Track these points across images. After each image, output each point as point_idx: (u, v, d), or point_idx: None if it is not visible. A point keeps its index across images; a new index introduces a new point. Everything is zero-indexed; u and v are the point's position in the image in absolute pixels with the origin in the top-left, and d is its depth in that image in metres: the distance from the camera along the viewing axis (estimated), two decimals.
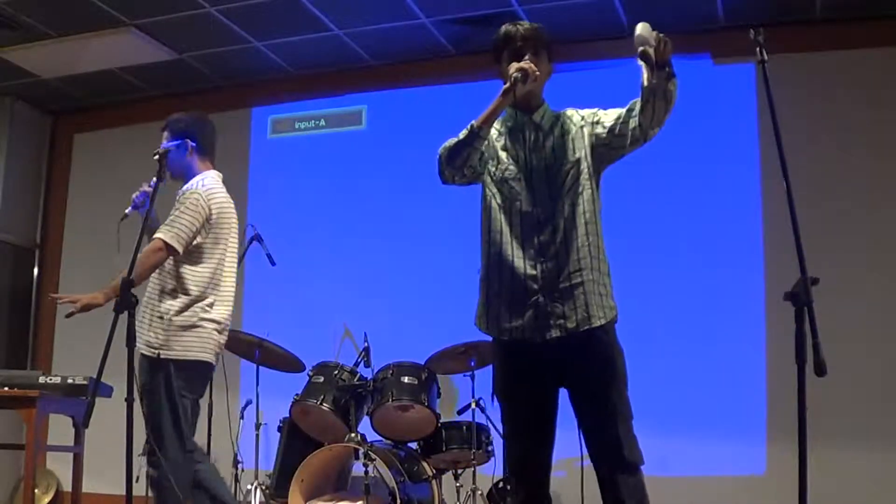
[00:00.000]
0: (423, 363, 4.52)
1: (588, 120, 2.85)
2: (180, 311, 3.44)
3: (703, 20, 5.27)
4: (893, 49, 5.02)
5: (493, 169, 2.83)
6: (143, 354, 3.44)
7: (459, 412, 4.58)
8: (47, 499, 6.15)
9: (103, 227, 6.49)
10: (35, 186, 6.86)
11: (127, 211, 3.60)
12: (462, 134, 2.73)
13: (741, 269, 5.09)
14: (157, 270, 3.49)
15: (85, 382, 4.16)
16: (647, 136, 2.72)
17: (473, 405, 4.39)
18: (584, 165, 2.76)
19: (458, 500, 4.59)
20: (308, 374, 4.54)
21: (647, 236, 5.29)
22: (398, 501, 3.99)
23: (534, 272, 2.67)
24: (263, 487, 4.61)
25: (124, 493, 3.00)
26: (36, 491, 5.81)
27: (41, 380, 4.21)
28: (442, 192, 5.75)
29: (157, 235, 3.43)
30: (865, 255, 4.92)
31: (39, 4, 5.22)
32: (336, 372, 4.44)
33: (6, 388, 4.12)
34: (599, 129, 2.80)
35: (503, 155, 2.82)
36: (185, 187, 3.56)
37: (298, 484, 4.16)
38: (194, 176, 3.59)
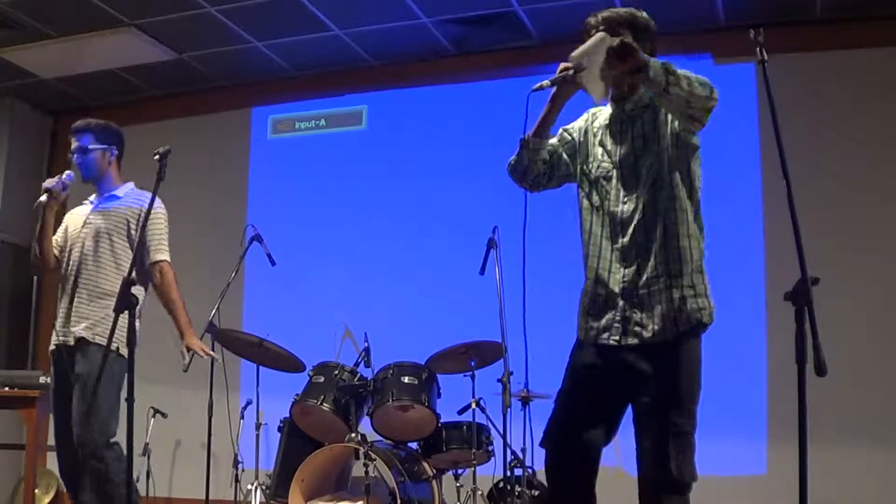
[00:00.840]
0: (423, 363, 4.52)
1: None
2: None
3: (704, 20, 5.27)
4: (893, 49, 5.02)
5: (587, 168, 2.70)
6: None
7: (460, 412, 4.58)
8: (47, 499, 6.14)
9: None
10: (35, 186, 6.79)
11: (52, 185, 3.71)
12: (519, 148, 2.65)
13: (741, 269, 5.09)
14: (115, 264, 3.68)
15: None
16: (687, 127, 2.58)
17: (473, 405, 4.38)
18: (666, 156, 2.59)
19: (459, 500, 4.59)
20: (308, 374, 4.54)
21: None
22: (398, 501, 3.99)
23: (617, 276, 2.59)
24: (264, 487, 4.61)
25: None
26: (36, 491, 5.81)
27: (41, 380, 4.21)
28: (442, 193, 5.79)
29: (160, 259, 3.71)
30: (865, 255, 4.92)
31: (39, 4, 5.22)
32: (336, 372, 4.44)
33: (6, 388, 4.13)
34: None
35: (598, 152, 2.68)
36: (127, 200, 3.79)
37: (299, 484, 4.16)
38: (112, 182, 3.84)
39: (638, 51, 2.35)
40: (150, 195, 3.55)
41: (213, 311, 4.62)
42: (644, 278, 2.54)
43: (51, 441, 5.82)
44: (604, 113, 2.73)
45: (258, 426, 4.75)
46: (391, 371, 4.41)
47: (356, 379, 4.45)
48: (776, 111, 2.37)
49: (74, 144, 3.84)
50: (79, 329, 3.52)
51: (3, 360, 6.44)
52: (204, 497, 4.71)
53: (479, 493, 4.41)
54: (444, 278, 5.54)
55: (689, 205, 2.65)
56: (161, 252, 3.70)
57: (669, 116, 2.58)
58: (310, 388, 4.43)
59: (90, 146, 3.81)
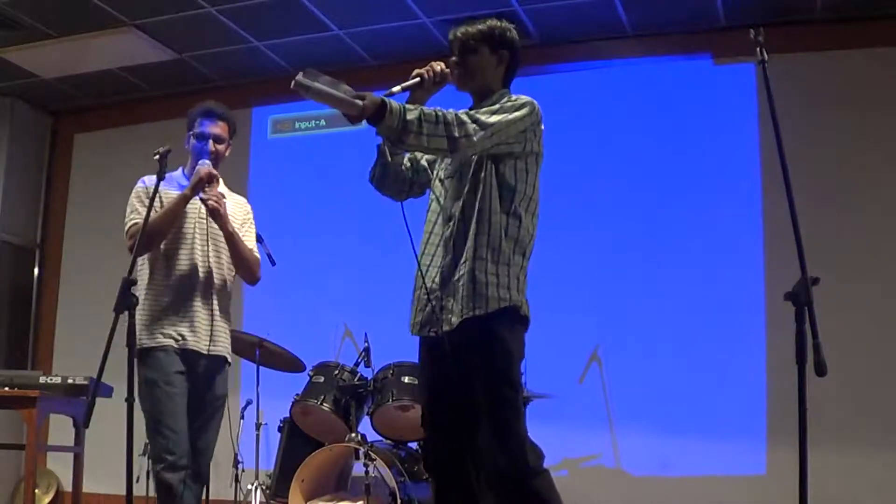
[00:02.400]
0: None
1: None
2: None
3: (704, 20, 5.27)
4: (893, 49, 5.02)
5: (439, 171, 2.83)
6: (225, 359, 3.45)
7: None
8: (48, 499, 6.15)
9: (104, 226, 6.54)
10: (35, 186, 6.86)
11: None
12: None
13: (741, 269, 5.09)
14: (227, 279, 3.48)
15: (85, 382, 4.16)
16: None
17: None
18: (477, 161, 2.66)
19: None
20: (308, 374, 4.54)
21: (648, 236, 5.30)
22: (399, 501, 3.99)
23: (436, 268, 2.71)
24: (264, 487, 4.61)
25: (124, 493, 2.99)
26: (36, 491, 5.81)
27: (41, 380, 4.21)
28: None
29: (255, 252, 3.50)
30: (866, 256, 4.92)
31: (40, 4, 5.22)
32: (336, 372, 4.44)
33: (6, 388, 4.12)
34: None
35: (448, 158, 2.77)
36: (232, 197, 3.57)
37: (299, 484, 4.16)
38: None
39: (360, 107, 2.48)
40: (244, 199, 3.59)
41: None
42: (457, 268, 2.62)
43: (51, 441, 5.86)
44: None
45: (258, 426, 4.75)
46: (391, 371, 4.41)
47: (356, 379, 4.45)
48: (776, 111, 2.37)
49: (214, 129, 3.49)
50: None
51: (2, 360, 6.44)
52: (204, 497, 4.71)
53: None
54: None
55: (499, 203, 2.61)
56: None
57: None
58: (310, 388, 4.43)
59: (224, 138, 3.51)
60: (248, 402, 4.94)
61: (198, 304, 3.31)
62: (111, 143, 6.71)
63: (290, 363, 4.76)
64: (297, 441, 4.54)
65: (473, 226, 2.60)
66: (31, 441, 4.12)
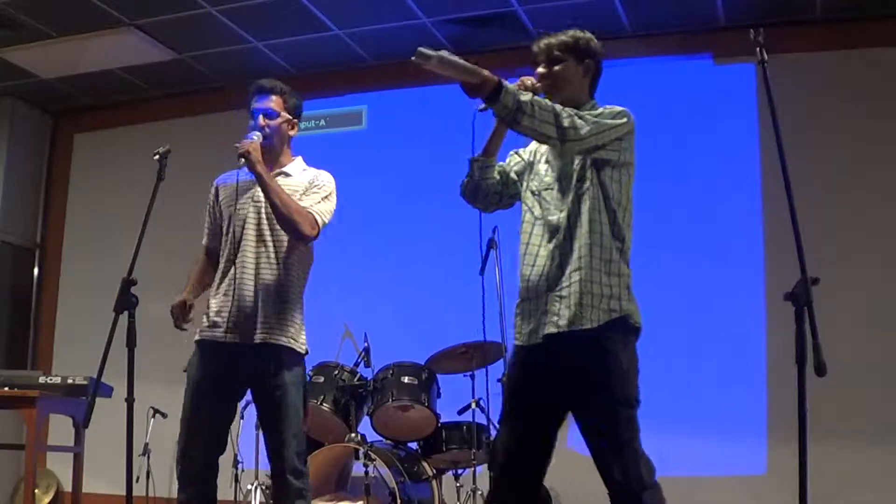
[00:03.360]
0: (423, 363, 4.52)
1: None
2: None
3: (704, 20, 5.27)
4: (893, 49, 5.02)
5: (532, 183, 2.80)
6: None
7: (460, 412, 4.58)
8: (47, 499, 6.15)
9: (104, 226, 6.54)
10: (35, 186, 6.86)
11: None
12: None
13: (741, 269, 5.09)
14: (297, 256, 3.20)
15: (85, 382, 4.17)
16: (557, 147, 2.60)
17: (473, 405, 4.39)
18: (582, 172, 2.67)
19: (459, 500, 4.59)
20: (308, 374, 4.53)
21: (647, 236, 5.27)
22: (398, 501, 3.99)
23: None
24: (263, 487, 4.61)
25: (124, 493, 2.99)
26: (36, 491, 5.81)
27: (41, 380, 4.21)
28: (442, 193, 5.77)
29: (310, 209, 3.15)
30: (865, 255, 4.92)
31: (39, 4, 5.22)
32: (336, 372, 4.44)
33: (6, 388, 4.13)
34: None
35: (542, 168, 2.79)
36: (308, 172, 3.32)
37: None
38: (286, 157, 3.35)
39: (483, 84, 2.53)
40: (327, 173, 3.30)
41: None
42: (565, 275, 2.59)
43: (51, 441, 5.86)
44: None
45: (258, 426, 4.74)
46: (391, 371, 4.41)
47: (356, 379, 4.45)
48: (776, 111, 2.38)
49: (262, 104, 3.30)
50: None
51: (2, 360, 6.44)
52: None
53: (479, 493, 4.41)
54: (444, 278, 5.54)
55: (605, 215, 2.62)
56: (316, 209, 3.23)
57: None
58: (310, 389, 4.43)
59: (277, 115, 3.27)
60: (248, 402, 4.92)
61: None
62: (111, 143, 6.71)
63: None
64: None
65: (581, 236, 2.59)
66: (31, 441, 4.12)
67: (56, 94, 6.55)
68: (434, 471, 4.40)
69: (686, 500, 4.91)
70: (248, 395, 4.98)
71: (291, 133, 3.33)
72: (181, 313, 3.15)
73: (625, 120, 2.65)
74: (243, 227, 3.16)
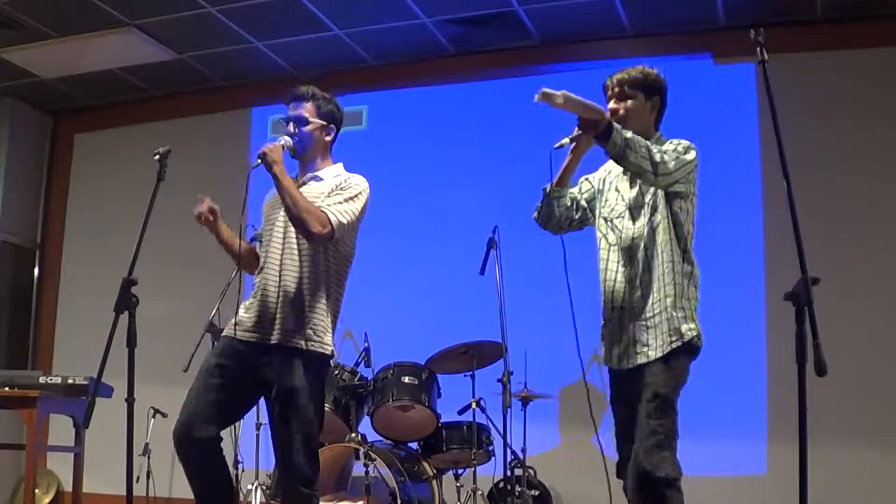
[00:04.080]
0: (423, 363, 4.52)
1: None
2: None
3: (704, 20, 5.27)
4: (893, 49, 5.02)
5: (603, 210, 3.02)
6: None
7: (460, 412, 4.58)
8: (48, 499, 6.15)
9: (104, 226, 6.54)
10: (35, 186, 6.86)
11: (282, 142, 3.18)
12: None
13: (741, 269, 5.09)
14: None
15: (85, 382, 4.17)
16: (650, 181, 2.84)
17: (474, 405, 4.39)
18: (656, 201, 2.92)
19: (459, 500, 4.59)
20: None
21: None
22: (399, 501, 3.99)
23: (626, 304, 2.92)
24: (264, 487, 4.61)
25: (124, 493, 2.99)
26: (36, 491, 5.81)
27: (42, 380, 4.21)
28: (443, 192, 5.79)
29: (325, 208, 3.11)
30: (865, 255, 4.92)
31: (40, 4, 5.22)
32: (336, 372, 4.44)
33: (7, 389, 4.13)
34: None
35: (613, 196, 3.00)
36: (340, 177, 3.29)
37: None
38: (322, 163, 3.33)
39: (598, 122, 2.69)
40: (360, 176, 3.28)
41: (213, 311, 4.61)
42: (649, 304, 2.85)
43: (51, 441, 5.86)
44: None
45: (258, 426, 4.75)
46: (391, 371, 4.41)
47: (356, 379, 4.45)
48: (776, 111, 2.38)
49: (292, 112, 3.27)
50: None
51: (3, 360, 6.44)
52: None
53: (480, 493, 4.41)
54: (444, 278, 5.54)
55: (677, 243, 2.91)
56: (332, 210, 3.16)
57: None
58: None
59: (308, 118, 3.25)
60: None
61: None
62: (111, 143, 6.71)
63: None
64: None
65: (658, 265, 2.86)
66: (31, 441, 4.12)
67: (56, 94, 6.55)
68: (434, 471, 4.40)
69: (686, 500, 4.91)
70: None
71: (327, 139, 3.32)
72: (210, 212, 3.25)
73: (694, 154, 2.93)
74: (272, 233, 3.22)
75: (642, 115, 2.96)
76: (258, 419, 4.74)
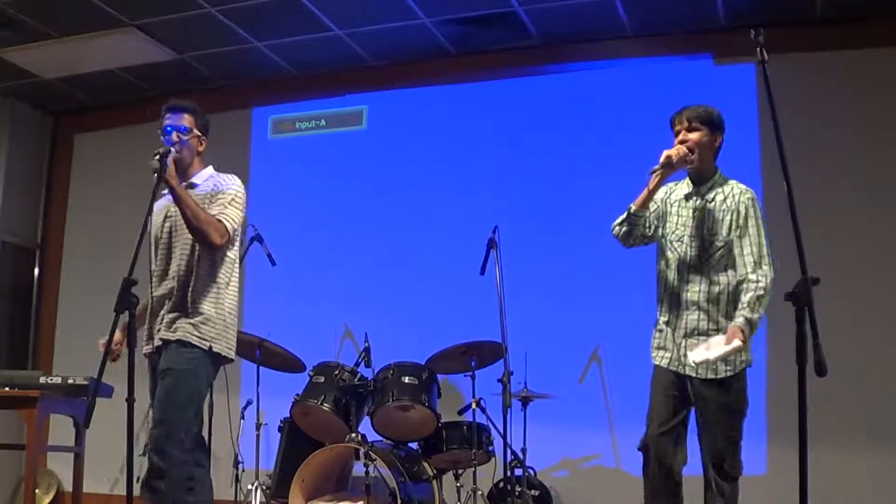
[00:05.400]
0: (423, 363, 4.52)
1: (742, 206, 3.24)
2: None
3: (704, 20, 5.27)
4: (893, 49, 5.02)
5: (666, 231, 3.37)
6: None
7: (460, 412, 4.58)
8: (48, 499, 6.15)
9: (104, 226, 6.54)
10: (36, 187, 6.86)
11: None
12: (623, 215, 3.37)
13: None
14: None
15: (85, 383, 4.16)
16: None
17: (474, 405, 4.39)
18: (724, 232, 3.23)
19: (459, 500, 4.59)
20: (309, 375, 4.54)
21: None
22: (399, 501, 3.99)
23: (687, 320, 3.26)
24: (264, 487, 4.61)
25: (124, 493, 2.99)
26: (37, 491, 5.81)
27: (42, 380, 4.21)
28: (443, 193, 5.79)
29: (220, 217, 3.30)
30: (865, 255, 4.92)
31: (40, 4, 5.22)
32: (337, 372, 4.44)
33: (7, 389, 4.13)
34: (734, 235, 3.23)
35: (675, 219, 3.35)
36: (212, 180, 3.46)
37: (299, 484, 4.16)
38: (195, 169, 3.47)
39: (742, 343, 2.99)
40: (232, 177, 3.49)
41: None
42: (708, 324, 3.20)
43: (51, 441, 5.85)
44: (679, 188, 3.41)
45: (258, 426, 4.75)
46: (391, 371, 4.41)
47: (356, 379, 4.45)
48: (776, 111, 2.38)
49: (170, 122, 3.46)
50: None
51: (3, 360, 6.44)
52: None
53: (480, 493, 4.41)
54: (444, 278, 5.54)
55: (738, 274, 3.18)
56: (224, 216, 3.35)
57: (731, 205, 3.24)
58: (310, 389, 4.43)
59: (188, 131, 3.44)
60: (249, 402, 4.94)
61: None
62: (111, 143, 6.71)
63: (290, 363, 4.76)
64: (297, 441, 4.54)
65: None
66: (31, 441, 4.12)
67: (56, 94, 6.55)
68: (434, 471, 4.40)
69: (686, 500, 4.91)
70: (249, 395, 5.01)
71: (200, 148, 3.53)
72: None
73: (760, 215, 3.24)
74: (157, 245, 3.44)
75: (708, 150, 3.29)
76: (258, 419, 4.74)
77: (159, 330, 3.31)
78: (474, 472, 4.40)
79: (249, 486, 4.65)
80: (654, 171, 3.23)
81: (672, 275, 3.31)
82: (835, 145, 5.05)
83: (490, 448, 4.49)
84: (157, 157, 3.09)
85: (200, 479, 3.24)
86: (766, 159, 5.10)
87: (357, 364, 4.56)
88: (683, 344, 3.22)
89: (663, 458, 3.25)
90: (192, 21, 5.40)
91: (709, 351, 3.00)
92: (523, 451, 4.65)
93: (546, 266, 5.36)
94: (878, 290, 4.88)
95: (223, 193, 3.41)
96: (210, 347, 3.29)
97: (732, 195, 3.25)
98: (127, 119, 6.64)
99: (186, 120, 3.48)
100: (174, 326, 3.28)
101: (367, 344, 4.58)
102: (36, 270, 6.82)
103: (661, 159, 3.22)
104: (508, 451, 4.38)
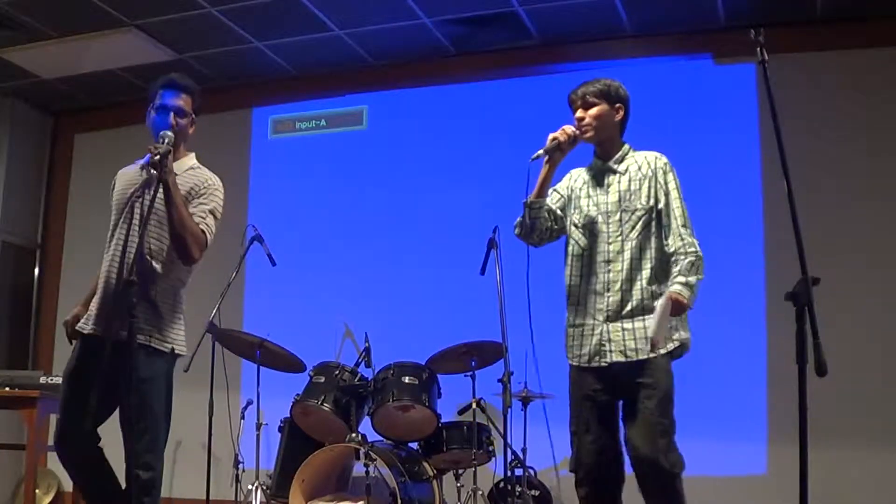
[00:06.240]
0: (423, 363, 4.52)
1: (660, 172, 3.13)
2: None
3: (704, 20, 5.27)
4: (893, 49, 5.02)
5: (576, 217, 3.17)
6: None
7: (460, 412, 4.58)
8: (48, 499, 6.15)
9: (104, 227, 6.53)
10: (36, 187, 6.87)
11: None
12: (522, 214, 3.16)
13: (742, 269, 5.09)
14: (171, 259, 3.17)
15: None
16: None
17: (474, 405, 4.38)
18: (642, 205, 3.08)
19: (459, 500, 4.59)
20: (309, 375, 4.54)
21: None
22: (399, 501, 3.99)
23: (601, 307, 3.07)
24: (264, 487, 4.61)
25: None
26: (37, 491, 5.81)
27: (42, 380, 4.22)
28: (443, 193, 5.79)
29: (203, 227, 3.15)
30: (865, 255, 4.92)
31: (40, 4, 5.22)
32: (337, 372, 4.44)
33: (7, 389, 4.14)
34: (661, 198, 3.11)
35: (585, 202, 3.16)
36: (193, 172, 3.29)
37: (299, 484, 4.16)
38: (180, 153, 3.31)
39: (684, 306, 2.97)
40: (214, 178, 3.28)
41: (214, 311, 4.62)
42: (631, 307, 3.03)
43: (51, 441, 5.84)
44: (586, 171, 3.23)
45: (259, 426, 4.75)
46: (392, 371, 4.41)
47: (357, 379, 4.45)
48: (776, 111, 2.38)
49: (175, 102, 3.25)
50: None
51: (3, 360, 6.44)
52: (205, 497, 4.71)
53: (480, 493, 4.41)
54: (444, 278, 5.54)
55: (662, 247, 3.09)
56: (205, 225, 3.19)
57: (647, 172, 3.11)
58: (310, 389, 4.43)
59: (185, 111, 3.25)
60: (249, 402, 4.94)
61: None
62: (111, 143, 6.71)
63: (290, 363, 4.76)
64: (297, 441, 4.54)
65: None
66: (31, 441, 4.14)
67: (56, 94, 6.56)
68: (435, 471, 4.40)
69: (687, 500, 4.91)
70: (249, 395, 5.01)
71: (190, 130, 3.34)
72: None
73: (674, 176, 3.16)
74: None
75: (610, 124, 3.14)
76: (259, 419, 4.74)
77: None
78: (474, 472, 4.41)
79: (250, 486, 4.65)
80: (537, 157, 3.06)
81: (586, 262, 3.10)
82: (835, 145, 5.05)
83: (490, 448, 4.49)
84: (158, 156, 3.02)
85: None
86: (766, 159, 5.10)
87: (357, 364, 4.56)
88: (606, 329, 3.01)
89: (600, 476, 3.02)
90: (192, 21, 5.40)
91: (650, 328, 2.89)
92: (523, 451, 4.65)
93: (546, 266, 5.36)
94: (879, 289, 4.88)
95: (206, 197, 3.21)
96: (172, 349, 3.17)
97: (647, 162, 3.12)
98: (127, 119, 6.63)
99: (184, 101, 3.25)
100: (140, 327, 3.07)
101: (367, 344, 4.58)
102: (36, 270, 6.82)
103: (548, 142, 3.07)
104: (509, 451, 4.38)
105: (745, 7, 5.10)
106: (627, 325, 3.00)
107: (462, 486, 4.62)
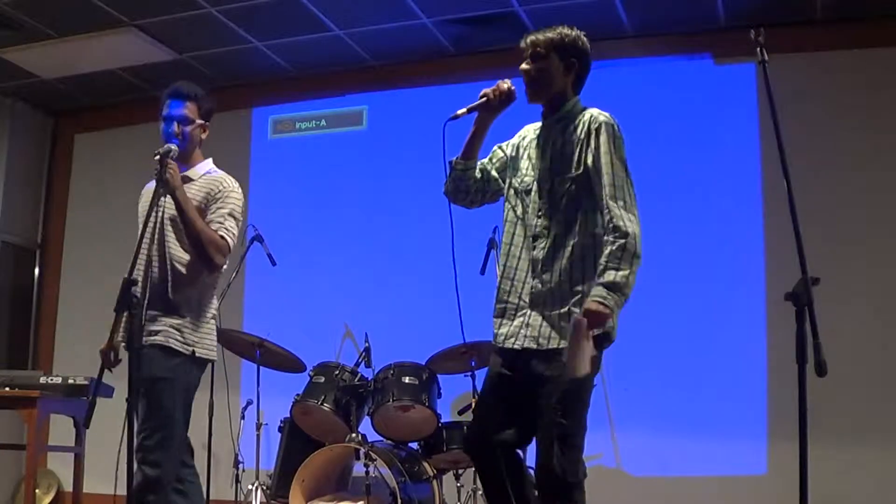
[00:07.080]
0: (423, 363, 4.52)
1: (593, 133, 2.70)
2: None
3: (704, 20, 5.27)
4: (893, 49, 5.02)
5: (514, 181, 2.84)
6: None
7: (460, 412, 4.58)
8: (48, 499, 6.15)
9: (104, 227, 6.54)
10: (36, 187, 6.86)
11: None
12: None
13: (742, 269, 5.09)
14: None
15: (86, 383, 4.17)
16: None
17: (474, 405, 4.38)
18: (576, 175, 2.70)
19: (459, 500, 4.59)
20: (309, 375, 4.54)
21: (648, 236, 5.28)
22: (399, 501, 3.99)
23: (527, 286, 2.74)
24: (264, 487, 4.61)
25: (125, 493, 2.99)
26: (37, 491, 5.81)
27: (42, 380, 4.21)
28: (443, 193, 5.78)
29: (223, 234, 3.16)
30: (865, 255, 4.92)
31: (40, 4, 5.22)
32: (337, 372, 4.44)
33: (7, 389, 4.13)
34: (583, 171, 2.68)
35: (524, 165, 2.82)
36: (209, 177, 3.29)
37: (299, 484, 4.16)
38: (194, 159, 3.32)
39: (604, 316, 2.49)
40: (232, 181, 3.28)
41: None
42: (549, 288, 2.64)
43: (52, 441, 5.86)
44: (534, 128, 2.86)
45: (259, 426, 4.76)
46: (392, 371, 4.41)
47: (357, 379, 4.45)
48: (776, 111, 2.38)
49: (177, 111, 3.27)
50: None
51: (3, 360, 6.44)
52: (205, 497, 4.71)
53: (480, 493, 4.41)
54: (444, 278, 5.52)
55: (599, 223, 2.66)
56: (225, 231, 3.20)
57: (581, 134, 2.69)
58: (310, 389, 4.43)
59: (190, 117, 3.27)
60: (249, 402, 4.94)
61: None
62: (111, 143, 6.72)
63: (290, 363, 4.76)
64: (297, 441, 4.54)
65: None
66: (31, 441, 4.13)
67: (56, 94, 6.55)
68: (435, 471, 4.40)
69: (686, 500, 4.92)
70: (249, 395, 5.02)
71: (203, 136, 3.35)
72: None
73: (622, 138, 2.71)
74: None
75: (556, 77, 2.77)
76: (259, 419, 4.74)
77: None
78: (474, 472, 4.40)
79: (250, 486, 4.66)
80: (456, 117, 2.81)
81: (516, 232, 2.75)
82: (835, 145, 5.05)
83: None
84: (157, 156, 3.05)
85: (188, 479, 3.19)
86: (766, 159, 5.10)
87: (357, 364, 4.56)
88: (529, 314, 2.68)
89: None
90: (192, 21, 5.40)
91: (564, 353, 2.50)
92: (523, 450, 4.65)
93: None
94: (879, 289, 4.88)
95: (224, 201, 3.22)
96: (193, 352, 3.14)
97: (583, 122, 2.68)
98: (127, 119, 6.64)
99: (189, 109, 3.27)
100: (156, 328, 3.10)
101: (367, 344, 4.59)
102: (36, 270, 6.82)
103: (478, 99, 2.80)
104: None
105: (745, 7, 5.10)
106: (548, 311, 2.63)
107: (462, 486, 4.62)
